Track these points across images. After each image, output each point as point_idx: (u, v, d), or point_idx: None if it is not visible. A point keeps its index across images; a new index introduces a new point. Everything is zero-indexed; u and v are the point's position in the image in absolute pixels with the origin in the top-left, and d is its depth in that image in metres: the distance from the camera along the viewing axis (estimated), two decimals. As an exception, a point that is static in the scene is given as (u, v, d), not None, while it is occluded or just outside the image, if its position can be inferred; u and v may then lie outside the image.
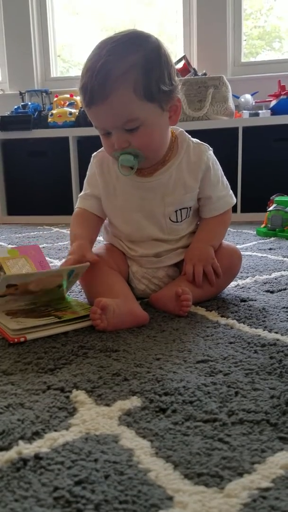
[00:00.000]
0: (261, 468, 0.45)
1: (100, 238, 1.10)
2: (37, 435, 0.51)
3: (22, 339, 0.77)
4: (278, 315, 0.87)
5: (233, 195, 1.02)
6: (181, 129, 0.98)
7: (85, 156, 2.57)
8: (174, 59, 0.88)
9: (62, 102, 2.70)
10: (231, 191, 1.02)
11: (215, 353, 0.71)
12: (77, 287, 1.09)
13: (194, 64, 2.81)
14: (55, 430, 0.52)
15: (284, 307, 0.91)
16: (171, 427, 0.52)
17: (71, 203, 2.60)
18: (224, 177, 1.01)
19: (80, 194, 1.03)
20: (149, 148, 0.87)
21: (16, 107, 2.68)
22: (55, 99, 2.72)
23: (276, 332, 0.78)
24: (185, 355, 0.71)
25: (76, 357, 0.71)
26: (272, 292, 1.02)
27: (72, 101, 2.69)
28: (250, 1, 2.97)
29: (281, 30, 3.05)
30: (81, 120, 2.57)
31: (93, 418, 0.54)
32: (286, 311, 0.89)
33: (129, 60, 0.80)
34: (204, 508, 0.40)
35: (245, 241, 1.66)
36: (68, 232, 2.05)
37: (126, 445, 0.49)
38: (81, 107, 2.59)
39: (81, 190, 2.82)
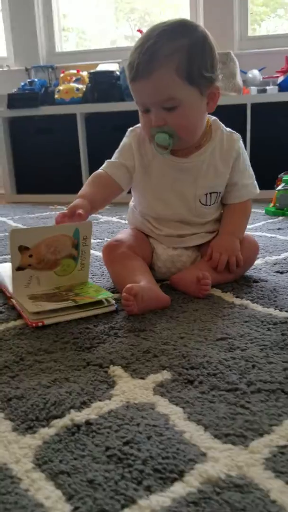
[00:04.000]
0: (278, 429, 0.54)
1: (117, 220, 1.16)
2: (84, 404, 0.60)
3: (40, 324, 0.83)
4: (287, 295, 0.95)
5: (257, 186, 1.08)
6: (214, 117, 1.04)
7: (93, 133, 2.65)
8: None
9: (69, 78, 2.69)
10: (255, 182, 1.08)
11: (232, 331, 0.79)
12: (99, 269, 1.17)
13: (201, 40, 2.81)
14: (100, 400, 0.60)
15: (293, 287, 0.99)
16: (199, 396, 0.61)
17: (80, 181, 2.66)
18: (251, 167, 1.07)
19: (109, 160, 1.05)
20: (184, 129, 0.93)
21: (22, 83, 2.68)
22: (62, 75, 2.71)
23: (287, 311, 0.86)
24: (206, 334, 0.79)
25: (108, 337, 0.79)
26: (281, 273, 1.10)
27: (78, 76, 2.68)
28: None
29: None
30: (89, 96, 2.58)
31: (131, 389, 0.63)
32: (296, 290, 0.96)
33: (176, 43, 0.87)
34: (233, 462, 0.49)
35: (255, 221, 1.73)
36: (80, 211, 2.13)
37: (162, 411, 0.58)
38: (88, 83, 2.61)
39: (89, 167, 2.85)
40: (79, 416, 0.57)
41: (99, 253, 1.27)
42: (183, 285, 0.98)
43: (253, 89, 2.52)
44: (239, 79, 2.51)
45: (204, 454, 0.50)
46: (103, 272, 1.14)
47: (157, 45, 0.87)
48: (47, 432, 0.55)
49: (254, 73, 2.65)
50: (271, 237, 1.45)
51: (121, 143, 1.06)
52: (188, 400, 0.60)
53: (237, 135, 1.04)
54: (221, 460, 0.49)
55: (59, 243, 0.93)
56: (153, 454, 0.50)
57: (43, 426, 0.56)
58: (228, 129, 1.04)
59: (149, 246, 1.07)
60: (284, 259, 1.19)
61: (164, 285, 1.03)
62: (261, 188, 2.16)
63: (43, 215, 2.15)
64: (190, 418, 0.56)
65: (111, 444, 0.52)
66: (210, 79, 0.92)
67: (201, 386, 0.63)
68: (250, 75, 2.65)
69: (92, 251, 1.30)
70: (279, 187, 1.83)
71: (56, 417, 0.57)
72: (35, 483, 0.47)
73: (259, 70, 2.65)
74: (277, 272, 1.10)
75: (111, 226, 1.72)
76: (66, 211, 0.93)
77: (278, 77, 2.58)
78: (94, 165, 2.59)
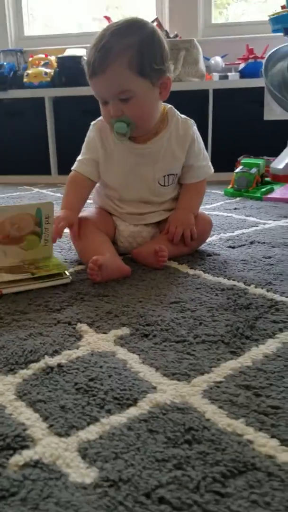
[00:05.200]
0: (216, 370, 0.65)
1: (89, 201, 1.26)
2: (56, 352, 0.70)
3: None
4: (236, 266, 1.07)
5: (211, 167, 1.20)
6: (170, 105, 1.14)
7: (61, 116, 2.72)
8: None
9: (37, 62, 2.75)
10: (210, 163, 1.19)
11: (185, 296, 0.91)
12: (67, 244, 1.27)
13: (166, 26, 2.89)
14: (69, 349, 0.71)
15: (242, 260, 1.11)
16: (152, 346, 0.72)
17: (48, 162, 2.73)
18: (205, 150, 1.18)
19: (78, 158, 1.16)
20: (140, 118, 1.03)
21: (-9, 67, 2.73)
22: (30, 59, 2.76)
23: (234, 280, 0.98)
24: (161, 298, 0.90)
25: (75, 301, 0.90)
26: (233, 247, 1.22)
27: (47, 61, 2.74)
28: None
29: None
30: (57, 80, 2.64)
31: (95, 341, 0.74)
32: (243, 263, 1.09)
33: (127, 41, 0.97)
34: (177, 392, 0.60)
35: (213, 201, 1.85)
36: (49, 193, 2.21)
37: (121, 357, 0.69)
38: (56, 68, 2.66)
39: (57, 149, 2.92)
40: (52, 361, 0.68)
41: (66, 230, 1.36)
42: (143, 257, 1.09)
43: (215, 75, 2.62)
44: (202, 65, 2.60)
45: (154, 388, 0.62)
46: (70, 246, 1.24)
47: (109, 44, 0.96)
48: (25, 372, 0.65)
49: (217, 60, 2.75)
50: (227, 216, 1.58)
51: (86, 137, 1.17)
52: (143, 349, 0.71)
53: (191, 121, 1.15)
54: (168, 391, 0.61)
55: (22, 221, 1.00)
56: (113, 387, 0.61)
57: (22, 369, 0.66)
58: (183, 115, 1.15)
59: (112, 223, 1.17)
60: (237, 236, 1.32)
61: (126, 258, 1.14)
62: (221, 170, 2.28)
63: (13, 195, 2.22)
64: (144, 362, 0.68)
65: (78, 380, 0.63)
66: (160, 71, 1.01)
67: (155, 338, 0.75)
68: (212, 62, 2.75)
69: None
70: (238, 170, 1.96)
71: (32, 361, 0.68)
72: (17, 409, 0.57)
73: (222, 57, 2.76)
74: (229, 247, 1.22)
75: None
76: (64, 223, 1.07)
77: (239, 64, 2.69)
78: (61, 147, 2.68)
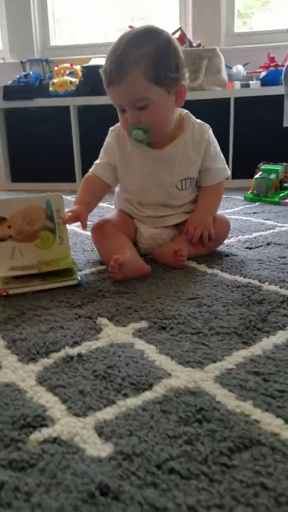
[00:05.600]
0: (229, 358, 0.68)
1: (107, 206, 1.30)
2: (76, 344, 0.74)
3: (4, 294, 0.95)
4: (252, 265, 1.09)
5: (228, 169, 1.23)
6: (186, 110, 1.18)
7: (85, 124, 2.79)
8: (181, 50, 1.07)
9: (63, 71, 2.82)
10: (226, 165, 1.23)
11: (202, 293, 0.94)
12: (90, 246, 1.31)
13: (189, 35, 2.94)
14: (89, 341, 0.75)
15: (258, 260, 1.13)
16: (169, 338, 0.75)
17: (73, 170, 2.79)
18: (221, 153, 1.22)
19: (96, 162, 1.20)
20: (156, 125, 1.07)
21: (18, 76, 2.79)
22: (56, 68, 2.84)
23: (249, 278, 1.01)
24: (179, 295, 0.93)
25: (96, 297, 0.94)
26: (250, 248, 1.24)
27: (72, 70, 2.81)
28: None
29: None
30: (81, 89, 2.71)
31: (115, 333, 0.77)
32: (259, 263, 1.11)
33: (142, 50, 1.00)
34: (191, 378, 0.63)
35: (234, 206, 1.87)
36: (73, 199, 2.26)
37: (139, 348, 0.72)
38: (81, 77, 2.74)
39: (82, 157, 2.99)
40: (72, 351, 0.71)
41: (88, 234, 1.42)
42: (163, 257, 1.12)
43: (237, 84, 2.65)
44: (224, 74, 2.64)
45: (169, 374, 0.65)
46: (92, 248, 1.28)
47: (125, 53, 1.00)
48: (46, 361, 0.69)
49: (239, 68, 2.78)
50: (246, 219, 1.60)
51: (104, 143, 1.21)
52: (160, 340, 0.75)
53: (207, 126, 1.18)
54: (181, 377, 0.64)
55: (33, 213, 1.02)
56: (130, 374, 0.64)
57: (43, 358, 0.70)
58: (198, 120, 1.18)
59: (133, 226, 1.21)
60: (254, 238, 1.34)
61: (147, 258, 1.17)
62: (242, 177, 2.30)
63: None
64: (161, 352, 0.71)
65: (97, 368, 0.66)
66: (175, 79, 1.05)
67: (171, 331, 0.78)
68: (234, 70, 2.78)
69: (84, 232, 1.45)
70: (257, 175, 1.98)
71: (53, 351, 0.72)
72: (37, 393, 0.61)
73: (243, 65, 2.79)
74: (247, 248, 1.24)
75: (101, 210, 1.86)
76: (72, 215, 1.06)
77: (260, 72, 2.72)
78: (85, 155, 2.75)
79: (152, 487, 0.45)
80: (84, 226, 1.08)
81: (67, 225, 1.06)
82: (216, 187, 1.21)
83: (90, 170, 1.20)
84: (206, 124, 1.19)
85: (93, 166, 1.20)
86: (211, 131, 1.19)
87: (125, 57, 1.00)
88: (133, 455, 0.49)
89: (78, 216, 1.07)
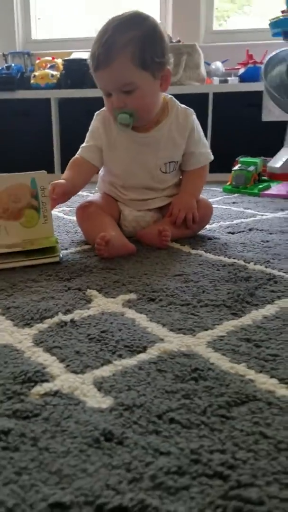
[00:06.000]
0: (219, 327, 0.70)
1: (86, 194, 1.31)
2: (69, 311, 0.75)
3: None
4: (236, 248, 1.12)
5: (211, 153, 1.25)
6: (170, 95, 1.19)
7: (66, 116, 2.78)
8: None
9: (44, 64, 2.82)
10: (209, 150, 1.25)
11: (188, 270, 0.95)
12: (73, 228, 1.31)
13: (169, 31, 2.96)
14: (80, 309, 0.76)
15: (241, 243, 1.16)
16: (158, 308, 0.77)
17: (52, 161, 2.78)
18: (205, 137, 1.24)
19: (82, 145, 1.21)
20: (142, 109, 1.08)
21: (0, 67, 2.79)
22: (37, 61, 2.83)
23: (234, 258, 1.03)
24: (165, 271, 0.95)
25: (84, 272, 0.94)
26: (233, 233, 1.27)
27: (53, 63, 2.81)
28: None
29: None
30: (63, 82, 2.71)
31: (105, 303, 0.78)
32: (243, 246, 1.13)
33: (129, 35, 1.02)
34: (183, 343, 0.65)
35: (213, 197, 1.90)
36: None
37: (130, 316, 0.74)
38: (62, 70, 2.73)
39: (62, 149, 2.97)
40: (65, 317, 0.72)
41: (72, 217, 1.42)
42: (147, 238, 1.13)
43: (216, 80, 2.69)
44: (203, 69, 2.67)
45: (162, 339, 0.66)
46: (76, 230, 1.29)
47: (112, 38, 1.01)
48: (41, 326, 0.70)
49: (217, 65, 2.82)
50: (226, 208, 1.63)
51: (90, 126, 1.22)
52: (150, 310, 0.76)
53: (191, 110, 1.20)
54: (174, 342, 0.65)
55: (19, 191, 1.03)
56: (123, 338, 0.66)
57: (38, 323, 0.71)
58: (182, 105, 1.20)
59: (117, 208, 1.22)
60: (236, 224, 1.37)
61: (131, 240, 1.18)
62: (220, 170, 2.32)
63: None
64: (152, 320, 0.72)
65: (91, 332, 0.67)
66: (161, 64, 1.07)
67: (161, 302, 0.79)
68: (213, 67, 2.82)
69: (66, 216, 1.45)
70: (235, 168, 2.01)
71: (47, 317, 0.73)
72: (35, 353, 0.62)
73: (222, 62, 2.83)
74: (229, 232, 1.27)
75: (82, 198, 1.86)
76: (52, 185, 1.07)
77: (239, 69, 2.76)
78: (65, 147, 2.73)
79: (154, 434, 0.46)
80: (57, 198, 1.08)
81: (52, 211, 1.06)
82: (200, 171, 1.23)
83: (77, 153, 1.21)
84: (190, 108, 1.21)
85: (80, 149, 1.21)
86: (195, 116, 1.21)
87: (112, 42, 1.01)
88: (133, 407, 0.50)
89: (55, 187, 1.07)
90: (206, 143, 1.24)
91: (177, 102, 1.20)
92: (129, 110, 1.07)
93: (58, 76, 2.72)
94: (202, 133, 1.23)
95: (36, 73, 2.73)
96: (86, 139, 1.22)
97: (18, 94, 2.70)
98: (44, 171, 1.05)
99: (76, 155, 1.20)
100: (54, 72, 2.74)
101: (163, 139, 1.16)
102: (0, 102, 2.73)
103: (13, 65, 2.79)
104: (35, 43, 3.17)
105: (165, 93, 1.17)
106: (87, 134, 1.22)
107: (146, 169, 1.18)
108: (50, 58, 2.83)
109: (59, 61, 2.80)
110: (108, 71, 1.04)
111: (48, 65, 2.80)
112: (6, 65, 2.80)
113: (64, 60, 2.73)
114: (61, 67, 2.76)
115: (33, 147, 2.79)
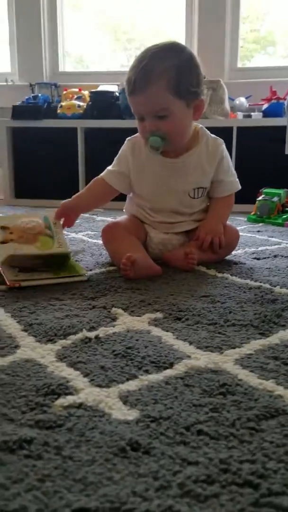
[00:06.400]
0: (247, 345, 0.68)
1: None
2: (93, 328, 0.74)
3: (17, 285, 0.95)
4: (262, 272, 1.10)
5: (238, 183, 1.26)
6: (201, 125, 1.22)
7: (91, 146, 2.83)
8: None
9: (71, 95, 2.90)
10: (237, 179, 1.26)
11: (214, 292, 0.94)
12: (98, 251, 1.32)
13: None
14: (105, 327, 0.75)
15: (267, 268, 1.14)
16: (185, 327, 0.76)
17: (76, 188, 2.81)
18: (233, 167, 1.25)
19: (108, 167, 1.23)
20: (174, 134, 1.10)
21: (27, 97, 2.85)
22: (64, 92, 2.91)
23: (260, 282, 1.02)
24: (192, 293, 0.94)
25: (109, 292, 0.94)
26: (258, 259, 1.25)
27: (80, 95, 2.88)
28: (248, 5, 3.17)
29: (276, 36, 3.28)
30: (89, 113, 2.77)
31: (130, 322, 0.78)
32: (268, 270, 1.12)
33: (166, 63, 1.05)
34: (211, 360, 0.63)
35: (237, 225, 1.87)
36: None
37: (156, 334, 0.72)
38: (89, 101, 2.80)
39: (86, 177, 3.01)
40: (90, 334, 0.71)
41: (95, 240, 1.43)
42: (173, 260, 1.13)
43: (240, 114, 2.73)
44: (227, 105, 2.71)
45: (189, 356, 0.65)
46: (100, 252, 1.29)
47: (150, 65, 1.04)
48: (65, 342, 0.69)
49: (241, 100, 2.87)
50: (251, 236, 1.62)
51: (120, 151, 1.24)
52: (177, 328, 0.75)
53: (221, 140, 1.22)
54: (202, 359, 0.64)
55: (33, 221, 1.10)
56: (150, 354, 0.64)
57: (61, 339, 0.70)
58: (212, 135, 1.22)
59: (143, 230, 1.22)
60: (261, 251, 1.35)
61: (157, 262, 1.17)
62: (244, 202, 2.32)
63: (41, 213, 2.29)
64: (178, 338, 0.71)
65: (116, 348, 0.66)
66: (195, 94, 1.09)
67: (187, 321, 0.78)
68: (237, 102, 2.86)
69: (90, 240, 1.46)
70: (259, 198, 2.01)
71: (71, 334, 0.72)
72: (58, 368, 0.61)
73: (246, 98, 2.87)
74: (255, 258, 1.26)
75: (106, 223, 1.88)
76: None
77: (263, 104, 2.80)
78: (90, 174, 2.77)
79: (182, 445, 0.45)
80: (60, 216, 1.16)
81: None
82: (228, 199, 1.24)
83: (101, 174, 1.23)
84: (220, 138, 1.22)
85: (104, 171, 1.23)
86: (224, 146, 1.22)
87: (150, 68, 1.04)
88: (160, 419, 0.49)
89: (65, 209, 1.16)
90: (234, 172, 1.25)
91: (208, 131, 1.21)
92: (161, 133, 1.09)
93: (85, 107, 2.79)
94: (231, 163, 1.24)
95: (63, 103, 2.80)
96: (114, 162, 1.24)
97: (44, 123, 2.77)
98: (55, 209, 1.13)
99: (99, 176, 1.23)
100: (81, 103, 2.81)
101: (192, 166, 1.17)
102: (27, 130, 2.80)
103: (40, 95, 2.87)
104: (61, 75, 3.26)
105: (196, 122, 1.18)
106: (115, 158, 1.24)
107: (174, 194, 1.19)
108: (76, 90, 2.91)
109: (85, 92, 2.87)
110: (144, 96, 1.06)
111: (75, 96, 2.87)
112: (33, 95, 2.88)
113: (91, 92, 2.81)
114: (87, 98, 2.83)
115: (58, 174, 2.83)
